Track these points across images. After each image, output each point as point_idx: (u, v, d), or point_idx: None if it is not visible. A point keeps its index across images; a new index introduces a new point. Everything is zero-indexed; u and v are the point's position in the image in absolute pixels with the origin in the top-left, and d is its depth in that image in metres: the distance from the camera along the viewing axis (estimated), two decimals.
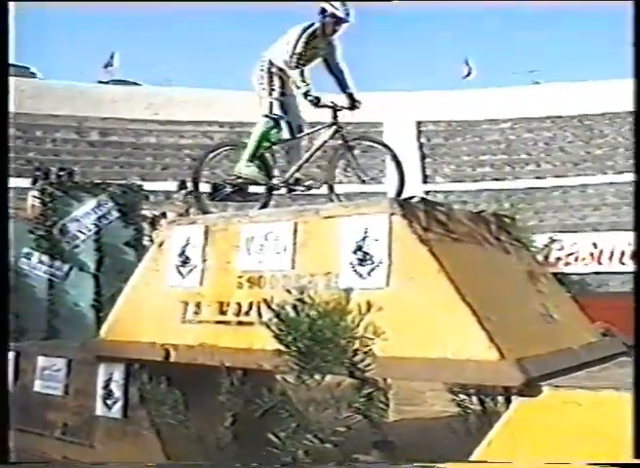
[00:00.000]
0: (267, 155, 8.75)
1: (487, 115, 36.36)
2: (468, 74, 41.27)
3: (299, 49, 8.01)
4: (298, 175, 8.65)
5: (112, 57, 42.95)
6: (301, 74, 8.07)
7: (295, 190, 8.80)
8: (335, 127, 8.19)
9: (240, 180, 8.89)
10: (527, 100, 35.99)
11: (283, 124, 8.50)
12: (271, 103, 8.46)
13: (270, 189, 8.76)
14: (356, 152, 8.28)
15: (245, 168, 8.72)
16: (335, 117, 8.20)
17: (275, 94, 8.42)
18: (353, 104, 8.29)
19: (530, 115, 36.09)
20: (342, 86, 8.29)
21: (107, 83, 41.24)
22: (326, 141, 8.32)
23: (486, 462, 4.97)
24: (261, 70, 8.46)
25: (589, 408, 4.84)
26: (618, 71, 40.58)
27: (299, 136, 8.60)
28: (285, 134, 8.57)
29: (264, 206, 8.66)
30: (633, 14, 6.37)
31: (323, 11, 7.96)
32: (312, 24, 8.07)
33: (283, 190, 8.88)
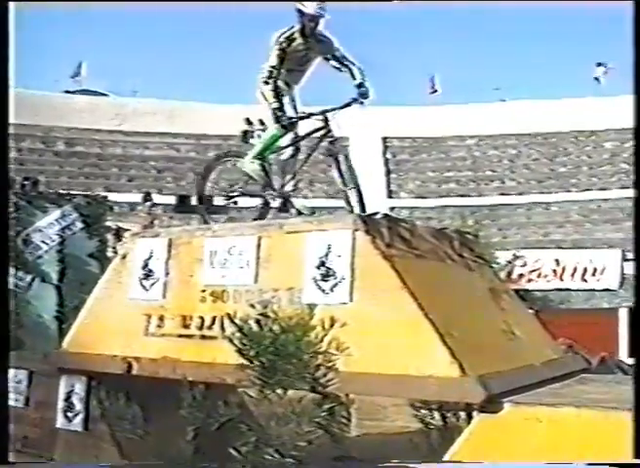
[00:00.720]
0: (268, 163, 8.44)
1: (452, 132, 36.53)
2: (434, 91, 41.44)
3: (271, 61, 7.90)
4: (290, 185, 8.39)
5: (80, 66, 42.75)
6: (274, 89, 7.93)
7: (291, 201, 8.47)
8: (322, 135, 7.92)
9: (237, 192, 8.75)
10: (492, 118, 36.22)
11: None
12: (281, 109, 8.08)
13: (266, 202, 8.54)
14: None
15: (249, 164, 8.47)
16: (323, 126, 7.86)
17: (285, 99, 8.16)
18: (361, 98, 7.87)
19: (495, 132, 36.32)
20: (352, 77, 7.92)
21: (74, 93, 41.01)
22: (314, 151, 8.13)
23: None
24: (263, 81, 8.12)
25: (550, 424, 4.87)
26: (582, 90, 41.03)
27: (287, 144, 8.33)
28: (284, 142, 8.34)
29: (261, 218, 8.38)
30: (633, 14, 6.37)
31: (298, 11, 7.80)
32: (289, 29, 7.92)
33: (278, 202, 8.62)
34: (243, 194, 8.70)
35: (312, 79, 8.32)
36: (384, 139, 36.86)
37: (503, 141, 36.81)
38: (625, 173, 34.21)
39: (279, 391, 5.75)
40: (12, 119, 7.27)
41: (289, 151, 8.32)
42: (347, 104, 7.88)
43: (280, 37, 7.90)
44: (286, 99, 8.16)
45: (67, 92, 41.08)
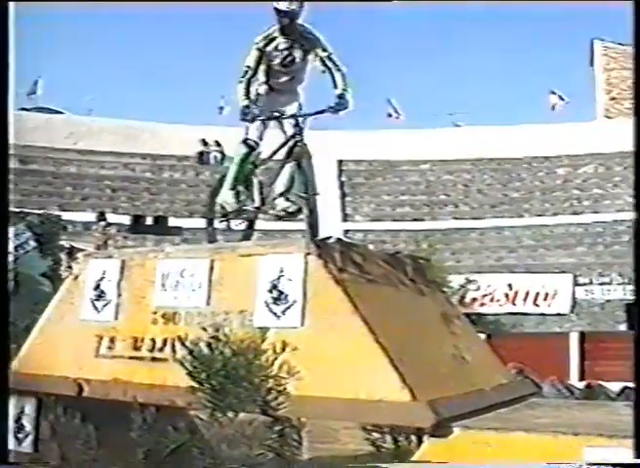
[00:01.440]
0: (254, 179, 7.92)
1: (407, 156, 36.74)
2: (390, 115, 41.65)
3: (247, 61, 7.60)
4: (281, 200, 7.82)
5: (36, 83, 42.51)
6: (245, 87, 7.54)
7: (281, 218, 7.89)
8: (291, 143, 7.58)
9: (224, 211, 8.02)
10: (447, 143, 36.48)
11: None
12: (247, 127, 7.79)
13: (251, 220, 8.05)
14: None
15: (224, 194, 7.93)
16: (294, 131, 7.57)
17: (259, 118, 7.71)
18: (337, 107, 7.54)
19: (449, 157, 36.58)
20: (333, 84, 7.55)
21: (30, 110, 40.72)
22: (286, 160, 7.66)
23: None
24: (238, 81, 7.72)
25: (498, 449, 4.92)
26: (536, 116, 41.48)
27: (265, 157, 7.91)
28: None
29: (246, 238, 7.94)
30: (633, 14, 6.40)
31: (274, 9, 7.47)
32: (269, 28, 7.63)
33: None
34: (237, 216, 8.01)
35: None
36: (340, 162, 36.98)
37: (458, 166, 37.08)
38: (577, 198, 34.66)
39: (230, 414, 5.75)
40: None
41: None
42: (321, 112, 7.66)
43: (258, 37, 7.63)
44: (266, 101, 7.80)
45: (23, 109, 40.79)
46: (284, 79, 7.82)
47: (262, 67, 7.70)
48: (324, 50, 7.56)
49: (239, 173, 7.81)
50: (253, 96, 7.69)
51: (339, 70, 7.53)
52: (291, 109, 7.79)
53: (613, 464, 4.52)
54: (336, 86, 7.51)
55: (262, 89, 7.83)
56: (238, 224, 7.96)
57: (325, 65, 7.55)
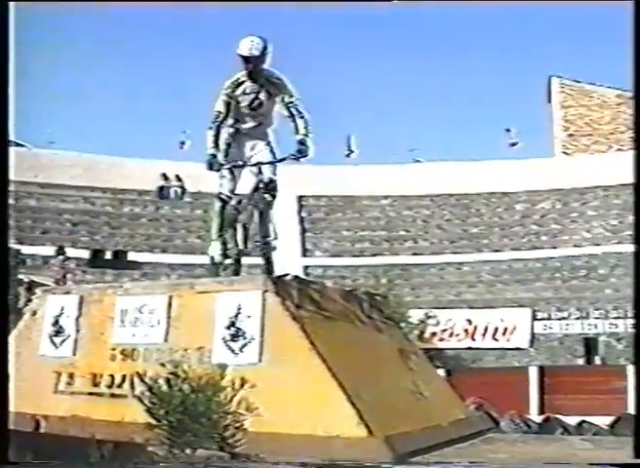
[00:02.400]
0: (238, 225, 7.85)
1: (367, 191, 36.86)
2: (351, 152, 41.84)
3: (217, 106, 7.78)
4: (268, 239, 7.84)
5: None
6: (214, 135, 7.71)
7: (267, 257, 7.77)
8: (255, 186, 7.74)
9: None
10: (407, 178, 36.67)
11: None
12: (220, 181, 7.84)
13: (238, 259, 7.88)
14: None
15: (212, 246, 7.89)
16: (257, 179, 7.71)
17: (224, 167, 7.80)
18: (297, 155, 7.72)
19: (409, 193, 36.74)
20: (295, 130, 7.72)
21: None
22: (251, 203, 7.78)
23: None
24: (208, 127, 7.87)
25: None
26: (494, 152, 41.91)
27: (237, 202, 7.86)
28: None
29: (236, 273, 7.67)
30: (633, 14, 6.47)
31: (239, 56, 7.64)
32: (239, 73, 7.79)
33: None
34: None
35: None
36: (300, 198, 37.03)
37: (417, 202, 37.24)
38: (535, 234, 34.92)
39: (188, 451, 5.75)
40: None
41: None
42: (282, 159, 7.84)
43: (227, 82, 7.78)
44: (235, 146, 7.93)
45: None
46: (252, 123, 7.96)
47: (231, 112, 7.83)
48: (290, 96, 7.74)
49: (221, 224, 7.83)
50: (222, 142, 7.83)
51: (302, 117, 7.69)
52: (259, 154, 7.88)
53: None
54: (297, 132, 7.67)
55: (230, 133, 7.94)
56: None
57: (289, 111, 7.71)
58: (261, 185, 7.68)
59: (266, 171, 7.77)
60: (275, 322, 5.95)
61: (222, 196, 7.79)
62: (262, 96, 7.80)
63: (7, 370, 7.16)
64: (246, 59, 7.61)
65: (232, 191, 7.79)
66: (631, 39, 6.52)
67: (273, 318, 5.97)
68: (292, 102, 7.72)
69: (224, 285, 6.38)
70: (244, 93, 7.79)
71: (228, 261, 7.70)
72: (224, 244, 7.78)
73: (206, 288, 6.50)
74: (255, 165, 7.77)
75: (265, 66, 7.77)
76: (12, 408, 6.96)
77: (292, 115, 7.70)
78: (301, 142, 7.65)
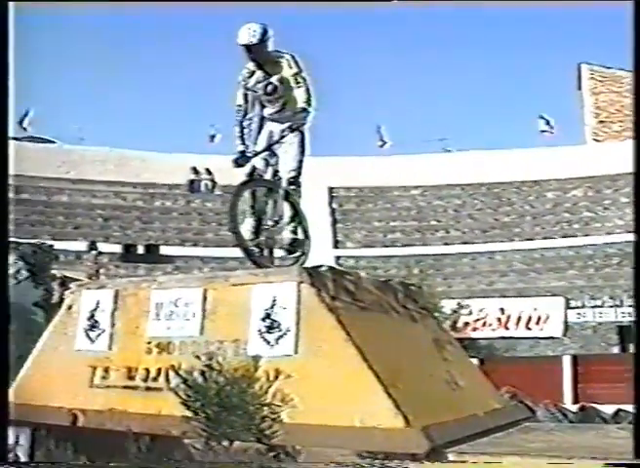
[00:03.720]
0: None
1: (398, 182, 36.80)
2: (383, 143, 41.75)
3: (237, 100, 7.79)
4: (288, 233, 7.85)
5: (27, 113, 42.55)
6: (240, 131, 7.73)
7: (292, 252, 7.83)
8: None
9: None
10: (437, 168, 36.58)
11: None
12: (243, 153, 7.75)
13: (271, 250, 7.86)
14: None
15: (243, 226, 7.72)
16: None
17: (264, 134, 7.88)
18: (294, 125, 7.66)
19: (440, 183, 36.65)
20: (295, 99, 7.69)
21: (21, 140, 40.72)
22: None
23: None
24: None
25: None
26: (526, 141, 41.64)
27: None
28: None
29: (267, 266, 7.53)
30: (633, 14, 6.42)
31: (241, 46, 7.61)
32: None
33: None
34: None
35: None
36: (331, 190, 37.04)
37: (448, 192, 37.15)
38: (567, 222, 34.73)
39: (225, 443, 5.76)
40: None
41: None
42: (282, 137, 7.76)
43: (241, 74, 7.78)
44: (264, 134, 7.90)
45: (14, 138, 40.78)
46: (275, 109, 7.91)
47: (250, 103, 7.84)
48: (289, 67, 7.65)
49: (253, 203, 7.76)
50: (251, 133, 7.84)
51: (301, 86, 7.62)
52: (284, 139, 7.80)
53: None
54: (296, 103, 7.66)
55: (257, 122, 7.94)
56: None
57: (296, 83, 7.63)
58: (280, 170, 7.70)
59: (288, 156, 7.77)
60: (311, 313, 5.94)
61: (240, 163, 7.70)
62: (274, 79, 7.74)
63: (8, 370, 7.20)
64: (247, 48, 7.57)
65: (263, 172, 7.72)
66: (631, 39, 6.49)
67: (309, 309, 5.95)
68: (288, 76, 7.64)
69: (259, 277, 6.36)
70: (257, 81, 7.78)
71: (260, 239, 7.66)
72: (255, 222, 7.70)
73: (241, 280, 6.49)
74: (267, 148, 7.75)
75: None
76: (50, 402, 7.02)
77: (297, 85, 7.63)
78: (303, 109, 7.65)
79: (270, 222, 7.63)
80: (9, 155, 7.09)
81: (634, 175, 6.57)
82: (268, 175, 7.69)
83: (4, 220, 7.24)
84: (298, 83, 7.63)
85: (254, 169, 7.67)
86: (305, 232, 7.83)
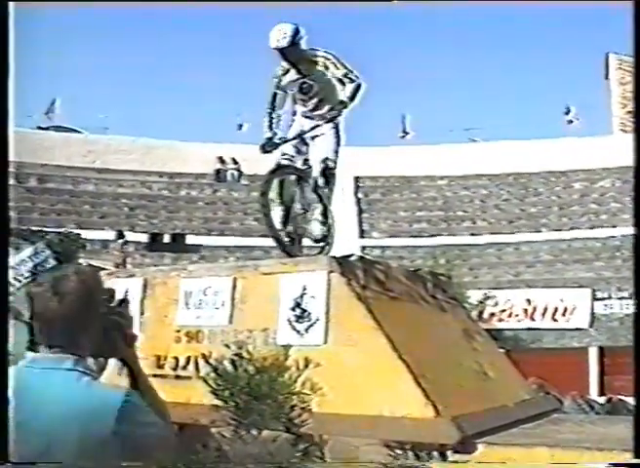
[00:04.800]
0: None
1: (424, 172, 36.71)
2: (406, 133, 41.65)
3: (271, 91, 7.79)
4: (317, 223, 7.86)
5: (53, 103, 42.72)
6: (269, 119, 7.74)
7: (319, 241, 7.86)
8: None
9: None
10: (463, 158, 36.44)
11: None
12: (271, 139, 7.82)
13: (292, 239, 7.81)
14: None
15: (273, 213, 7.69)
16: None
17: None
18: (330, 117, 7.72)
19: (466, 173, 36.52)
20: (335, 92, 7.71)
21: (47, 129, 40.91)
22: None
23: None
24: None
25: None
26: (552, 131, 41.44)
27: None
28: None
29: (295, 255, 7.57)
30: (633, 14, 6.40)
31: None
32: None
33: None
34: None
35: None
36: (357, 179, 36.97)
37: (474, 182, 37.01)
38: (595, 213, 34.54)
39: (254, 431, 5.76)
40: None
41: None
42: (315, 126, 7.78)
43: (276, 70, 7.77)
44: (295, 126, 7.94)
45: (40, 128, 41.00)
46: (309, 107, 7.90)
47: (279, 102, 7.84)
48: (336, 68, 7.61)
49: (281, 191, 7.72)
50: (276, 124, 7.79)
51: (345, 83, 7.60)
52: (320, 136, 7.80)
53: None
54: (339, 95, 7.66)
55: (288, 118, 7.97)
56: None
57: (350, 80, 7.59)
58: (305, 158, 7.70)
59: (322, 146, 7.75)
60: (340, 302, 5.93)
61: (268, 148, 7.73)
62: (309, 78, 7.71)
63: (7, 370, 7.19)
64: (279, 50, 7.55)
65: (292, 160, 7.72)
66: (631, 39, 6.45)
67: (338, 298, 5.95)
68: (337, 76, 7.62)
69: (289, 266, 6.37)
70: (291, 80, 7.77)
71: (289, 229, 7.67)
72: (284, 211, 7.68)
73: (270, 269, 6.49)
74: (298, 136, 7.77)
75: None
76: None
77: (343, 84, 7.62)
78: (340, 102, 7.64)
79: (299, 211, 7.63)
80: (9, 148, 7.06)
81: (634, 168, 6.53)
82: (299, 164, 7.68)
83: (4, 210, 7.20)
84: (351, 80, 7.57)
85: (283, 156, 7.67)
86: (331, 222, 7.80)
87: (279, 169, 7.62)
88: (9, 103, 6.86)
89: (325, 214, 7.75)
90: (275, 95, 7.81)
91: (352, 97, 7.60)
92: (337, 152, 7.79)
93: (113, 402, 2.68)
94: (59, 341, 2.84)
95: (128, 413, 2.68)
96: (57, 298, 2.81)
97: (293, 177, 7.68)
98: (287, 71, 7.75)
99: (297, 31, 7.54)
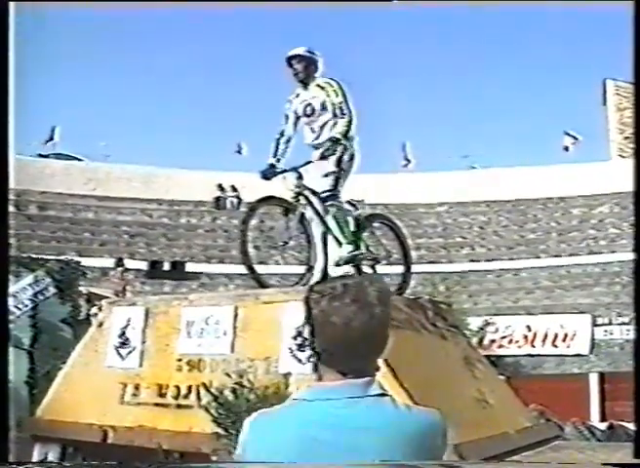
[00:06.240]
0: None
1: (423, 199, 36.79)
2: (408, 162, 41.74)
3: (283, 118, 7.91)
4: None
5: (53, 131, 42.83)
6: (275, 146, 7.88)
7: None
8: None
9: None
10: (462, 185, 36.52)
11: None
12: (272, 166, 7.95)
13: (310, 267, 7.67)
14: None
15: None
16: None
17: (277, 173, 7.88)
18: (325, 153, 7.57)
19: (465, 199, 36.57)
20: (332, 127, 7.74)
21: (48, 157, 41.00)
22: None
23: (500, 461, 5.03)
24: None
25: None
26: (551, 158, 41.53)
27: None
28: None
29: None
30: (633, 14, 6.44)
31: None
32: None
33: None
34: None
35: None
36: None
37: (473, 208, 37.06)
38: (594, 238, 34.57)
39: None
40: None
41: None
42: (308, 162, 7.76)
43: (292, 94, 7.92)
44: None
45: (40, 155, 41.09)
46: (312, 132, 7.93)
47: (291, 125, 7.93)
48: (335, 95, 7.67)
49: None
50: (281, 152, 7.89)
51: (341, 117, 7.62)
52: (317, 163, 7.78)
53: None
54: (333, 130, 7.66)
55: (292, 143, 8.01)
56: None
57: (333, 112, 7.67)
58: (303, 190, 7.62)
59: (319, 178, 7.74)
60: None
61: (267, 175, 7.81)
62: (315, 101, 7.78)
63: (7, 373, 7.21)
64: (294, 73, 7.74)
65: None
66: (631, 39, 6.49)
67: None
68: (334, 103, 7.66)
69: (290, 294, 6.39)
70: (301, 101, 7.86)
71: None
72: (263, 241, 7.67)
73: (272, 298, 6.52)
74: (292, 169, 7.73)
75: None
76: (80, 418, 7.06)
77: (335, 116, 7.66)
78: (330, 139, 7.60)
79: (280, 243, 7.51)
80: (9, 175, 7.12)
81: (634, 193, 6.55)
82: (288, 196, 7.66)
83: (4, 237, 7.26)
84: (342, 112, 7.63)
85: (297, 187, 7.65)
86: (312, 254, 7.67)
87: (265, 199, 7.62)
88: (9, 131, 6.93)
89: (308, 243, 7.66)
90: (287, 116, 7.90)
91: (345, 134, 7.62)
92: (337, 179, 7.76)
93: (425, 420, 2.57)
94: (358, 363, 2.57)
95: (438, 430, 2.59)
96: (368, 312, 2.52)
97: (279, 210, 7.66)
98: (299, 94, 7.87)
99: (312, 55, 7.76)
